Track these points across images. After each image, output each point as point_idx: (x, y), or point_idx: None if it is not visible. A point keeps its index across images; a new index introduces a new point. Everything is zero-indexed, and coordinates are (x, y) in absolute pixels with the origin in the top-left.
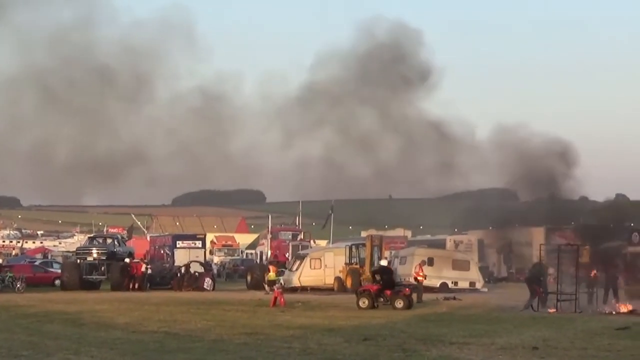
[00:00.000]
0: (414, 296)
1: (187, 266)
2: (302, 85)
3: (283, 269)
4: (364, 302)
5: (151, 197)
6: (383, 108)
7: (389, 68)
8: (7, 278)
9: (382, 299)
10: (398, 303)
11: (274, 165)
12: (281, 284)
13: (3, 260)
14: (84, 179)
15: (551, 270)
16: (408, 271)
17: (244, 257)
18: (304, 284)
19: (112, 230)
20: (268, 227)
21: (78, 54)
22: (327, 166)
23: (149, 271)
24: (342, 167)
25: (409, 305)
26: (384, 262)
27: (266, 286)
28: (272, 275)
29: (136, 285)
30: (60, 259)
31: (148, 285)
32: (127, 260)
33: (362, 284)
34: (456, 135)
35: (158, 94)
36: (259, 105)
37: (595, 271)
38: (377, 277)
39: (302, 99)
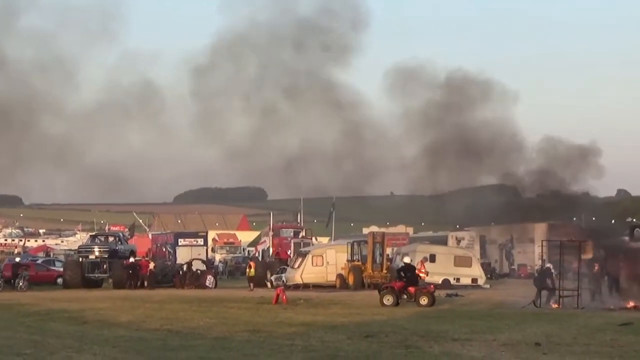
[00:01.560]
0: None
1: (189, 264)
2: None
3: (285, 267)
4: (388, 299)
5: (153, 195)
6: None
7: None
8: (25, 277)
9: (405, 296)
10: (422, 300)
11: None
12: (283, 281)
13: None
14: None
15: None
16: None
17: (246, 254)
18: (306, 281)
19: (113, 229)
20: (270, 225)
21: None
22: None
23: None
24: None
25: (433, 302)
26: (407, 260)
27: (268, 283)
28: (252, 271)
29: (145, 284)
30: (62, 258)
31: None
32: (132, 259)
33: (365, 281)
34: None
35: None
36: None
37: (597, 267)
38: (402, 275)
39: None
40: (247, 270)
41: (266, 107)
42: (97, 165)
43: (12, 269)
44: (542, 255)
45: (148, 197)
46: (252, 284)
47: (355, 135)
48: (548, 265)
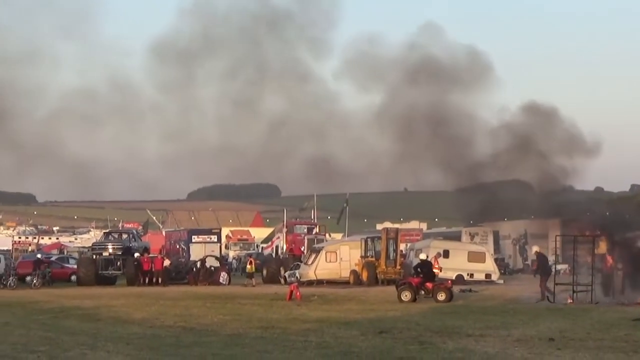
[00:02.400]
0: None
1: (203, 261)
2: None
3: (298, 263)
4: (406, 296)
5: (166, 192)
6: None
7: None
8: (47, 273)
9: (423, 292)
10: (440, 295)
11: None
12: (297, 277)
13: (19, 256)
14: None
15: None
16: None
17: (260, 251)
18: (320, 277)
19: (127, 226)
20: (283, 221)
21: None
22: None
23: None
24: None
25: (450, 298)
26: (423, 256)
27: (282, 279)
28: (250, 268)
29: (159, 280)
30: (76, 255)
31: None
32: (136, 255)
33: (378, 277)
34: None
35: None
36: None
37: (611, 262)
38: (419, 271)
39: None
40: (248, 266)
41: (238, 99)
42: (68, 163)
43: (33, 266)
44: (555, 250)
45: (162, 194)
46: (253, 280)
47: (324, 130)
48: (536, 249)
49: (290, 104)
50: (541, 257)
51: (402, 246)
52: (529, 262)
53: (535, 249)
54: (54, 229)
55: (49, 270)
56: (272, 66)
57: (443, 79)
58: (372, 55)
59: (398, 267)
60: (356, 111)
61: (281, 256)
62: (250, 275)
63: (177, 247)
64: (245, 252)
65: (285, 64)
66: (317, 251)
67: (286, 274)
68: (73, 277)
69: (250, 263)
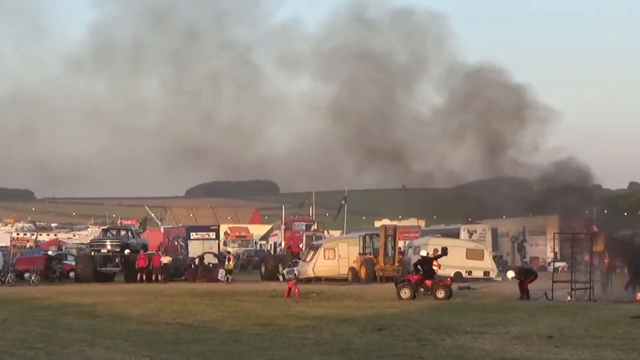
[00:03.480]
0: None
1: (201, 257)
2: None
3: (297, 260)
4: (405, 293)
5: (165, 189)
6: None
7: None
8: (58, 269)
9: (422, 289)
10: (439, 293)
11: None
12: (295, 274)
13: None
14: None
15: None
16: None
17: (258, 248)
18: (318, 274)
19: (125, 223)
20: (282, 218)
21: None
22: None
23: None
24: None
25: (450, 295)
26: (423, 253)
27: (280, 276)
28: (230, 265)
29: (158, 277)
30: (74, 251)
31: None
32: (126, 251)
33: (377, 274)
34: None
35: None
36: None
37: (608, 260)
38: (419, 268)
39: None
40: (227, 262)
41: (186, 92)
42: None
43: (45, 261)
44: (553, 248)
45: (160, 191)
46: (229, 277)
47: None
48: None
49: (231, 97)
50: (522, 270)
51: (400, 243)
52: (527, 259)
53: (510, 275)
54: (52, 225)
55: (60, 266)
56: (210, 60)
57: (381, 61)
58: (299, 41)
59: (396, 264)
60: (295, 101)
61: (279, 253)
62: (228, 272)
63: (176, 244)
64: (244, 248)
65: (224, 58)
66: (316, 248)
67: (284, 271)
68: (71, 274)
69: (229, 260)
